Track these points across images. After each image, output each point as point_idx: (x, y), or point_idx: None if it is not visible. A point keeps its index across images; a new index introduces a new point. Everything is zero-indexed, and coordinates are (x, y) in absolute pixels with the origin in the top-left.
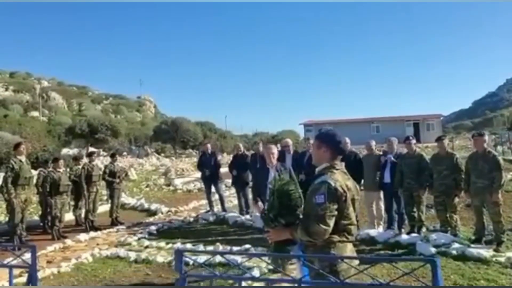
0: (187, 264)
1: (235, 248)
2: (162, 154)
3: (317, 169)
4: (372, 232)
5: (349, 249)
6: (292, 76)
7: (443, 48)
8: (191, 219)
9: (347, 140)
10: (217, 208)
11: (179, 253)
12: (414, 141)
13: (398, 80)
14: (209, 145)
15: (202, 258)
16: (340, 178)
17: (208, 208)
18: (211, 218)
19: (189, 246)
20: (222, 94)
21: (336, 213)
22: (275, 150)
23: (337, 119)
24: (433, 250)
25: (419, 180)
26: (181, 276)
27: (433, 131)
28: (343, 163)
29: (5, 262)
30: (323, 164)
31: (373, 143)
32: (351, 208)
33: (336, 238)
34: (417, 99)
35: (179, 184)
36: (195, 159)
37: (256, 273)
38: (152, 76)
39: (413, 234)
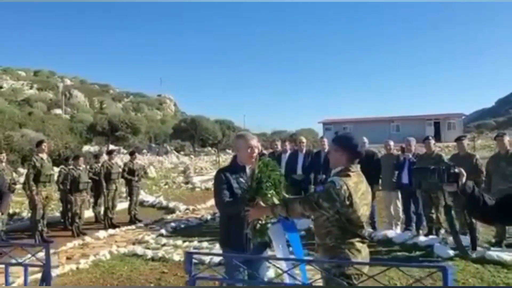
0: (202, 263)
1: None
2: (182, 152)
3: (332, 172)
4: (390, 233)
5: (363, 253)
6: (311, 74)
7: (466, 45)
8: (209, 217)
9: (365, 140)
10: None
11: (189, 256)
12: (433, 141)
13: (419, 78)
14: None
15: (217, 258)
16: (352, 181)
17: None
18: None
19: (205, 244)
20: (241, 92)
21: (325, 211)
22: (257, 143)
23: (356, 117)
24: (451, 252)
25: None
26: (190, 278)
27: (454, 130)
28: (359, 165)
29: (21, 260)
30: (339, 167)
31: (391, 143)
32: (361, 212)
33: (347, 240)
34: (439, 98)
35: (197, 182)
36: (214, 158)
37: (270, 274)
38: (172, 74)
39: (431, 236)
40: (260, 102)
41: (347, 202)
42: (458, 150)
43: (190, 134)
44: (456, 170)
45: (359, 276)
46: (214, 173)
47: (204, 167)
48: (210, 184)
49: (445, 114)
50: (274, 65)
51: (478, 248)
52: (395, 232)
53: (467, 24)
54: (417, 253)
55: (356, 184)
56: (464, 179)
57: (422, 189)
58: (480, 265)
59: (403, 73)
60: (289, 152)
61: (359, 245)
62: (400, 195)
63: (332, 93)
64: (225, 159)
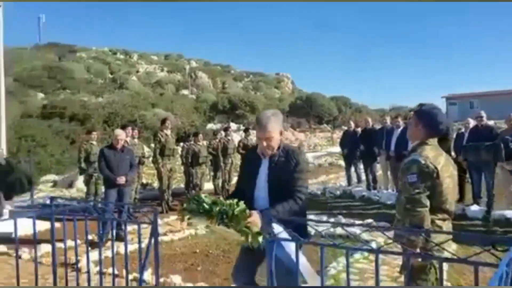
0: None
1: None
2: (298, 129)
3: (410, 146)
4: (508, 213)
5: (445, 227)
6: (434, 45)
7: None
8: (319, 192)
9: (483, 114)
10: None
11: (267, 218)
12: None
13: None
14: (352, 122)
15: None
16: (431, 154)
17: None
18: (338, 192)
19: (311, 217)
20: (360, 67)
21: (428, 192)
22: (270, 133)
23: (483, 91)
24: None
25: None
26: (268, 240)
27: None
28: (436, 139)
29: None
30: (416, 141)
31: None
32: (445, 185)
33: (431, 216)
34: None
35: (310, 158)
36: (329, 134)
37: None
38: (291, 53)
39: None
40: (379, 77)
41: (435, 175)
42: None
43: (306, 111)
44: None
45: (441, 251)
46: (328, 149)
47: (318, 144)
48: (322, 160)
49: None
50: (395, 37)
51: None
52: None
53: None
54: None
55: (435, 157)
56: None
57: None
58: None
59: None
60: (401, 127)
61: (439, 222)
62: None
63: (458, 66)
64: (340, 135)
